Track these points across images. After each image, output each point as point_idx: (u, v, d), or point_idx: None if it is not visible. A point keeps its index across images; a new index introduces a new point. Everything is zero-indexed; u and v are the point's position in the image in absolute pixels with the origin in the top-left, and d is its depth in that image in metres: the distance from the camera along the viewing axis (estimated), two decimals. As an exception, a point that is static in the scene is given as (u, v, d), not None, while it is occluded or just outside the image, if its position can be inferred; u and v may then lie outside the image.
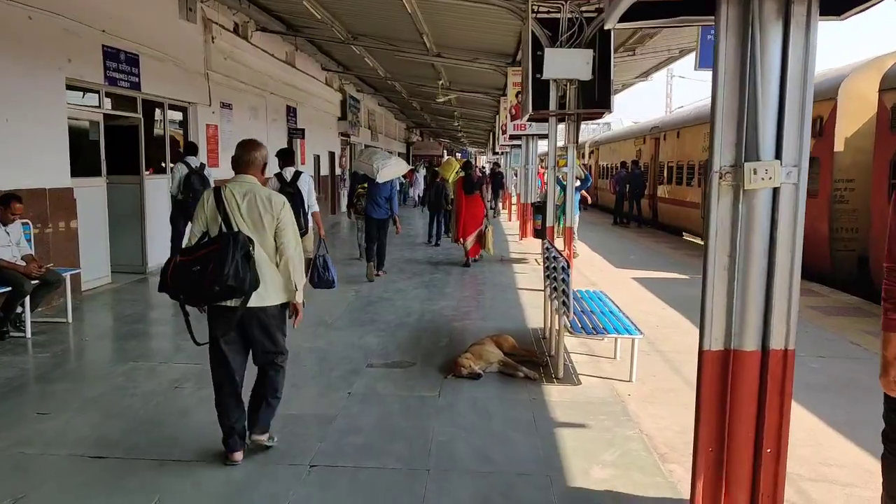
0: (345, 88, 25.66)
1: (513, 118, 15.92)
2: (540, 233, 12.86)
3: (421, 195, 27.89)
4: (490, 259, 13.38)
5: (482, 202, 13.05)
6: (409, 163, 24.11)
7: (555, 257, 6.39)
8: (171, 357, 6.59)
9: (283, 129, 18.46)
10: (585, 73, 9.24)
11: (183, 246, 4.23)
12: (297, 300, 4.18)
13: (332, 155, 24.46)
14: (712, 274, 3.13)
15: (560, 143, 10.38)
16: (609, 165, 28.67)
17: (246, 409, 4.23)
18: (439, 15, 13.00)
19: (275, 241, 4.10)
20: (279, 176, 8.84)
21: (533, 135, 16.23)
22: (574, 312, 6.06)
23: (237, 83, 14.73)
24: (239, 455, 4.14)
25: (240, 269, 3.84)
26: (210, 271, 3.81)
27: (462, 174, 13.39)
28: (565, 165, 9.99)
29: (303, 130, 19.32)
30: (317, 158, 22.22)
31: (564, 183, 11.31)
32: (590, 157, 32.94)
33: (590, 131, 43.90)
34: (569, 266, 5.66)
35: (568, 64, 9.29)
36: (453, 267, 12.48)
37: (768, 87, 2.99)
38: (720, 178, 3.08)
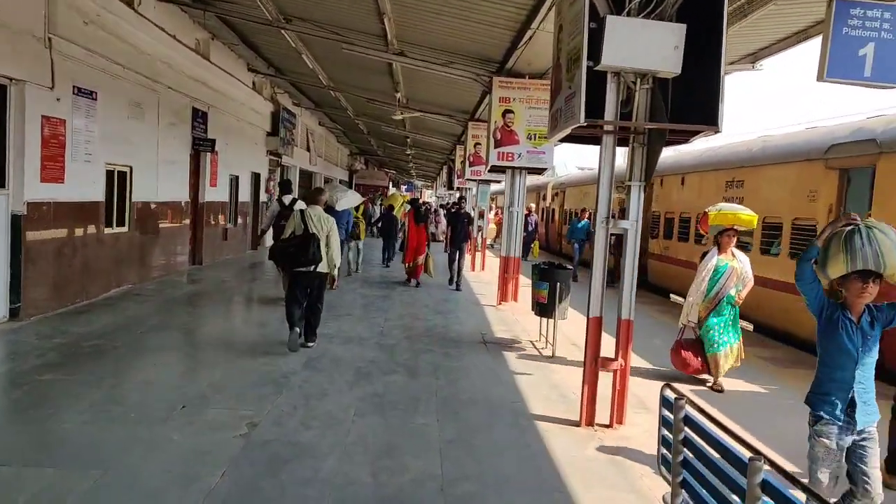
0: (278, 99, 21.18)
1: (497, 144, 11.78)
2: (544, 309, 8.69)
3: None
4: (467, 337, 9.09)
5: (426, 232, 15.12)
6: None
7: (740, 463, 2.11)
8: None
9: (186, 137, 13.83)
10: (671, 63, 5.36)
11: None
12: (333, 273, 8.68)
13: (256, 177, 19.80)
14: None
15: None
16: (576, 211, 24.79)
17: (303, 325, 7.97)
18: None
19: (327, 239, 7.87)
20: (280, 201, 11.00)
21: (521, 168, 12.10)
22: None
23: (108, 64, 10.14)
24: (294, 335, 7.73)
25: (315, 252, 7.62)
26: (300, 251, 7.61)
27: (410, 208, 16.03)
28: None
29: (213, 142, 14.71)
30: (234, 180, 17.57)
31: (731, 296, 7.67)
32: (552, 200, 29.11)
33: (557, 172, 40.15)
34: None
35: (643, 45, 5.38)
36: (420, 361, 8.11)
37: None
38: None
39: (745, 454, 2.74)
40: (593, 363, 5.77)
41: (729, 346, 7.56)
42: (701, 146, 17.55)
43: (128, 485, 4.27)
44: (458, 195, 17.95)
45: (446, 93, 15.70)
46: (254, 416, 5.57)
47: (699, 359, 7.61)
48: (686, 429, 3.35)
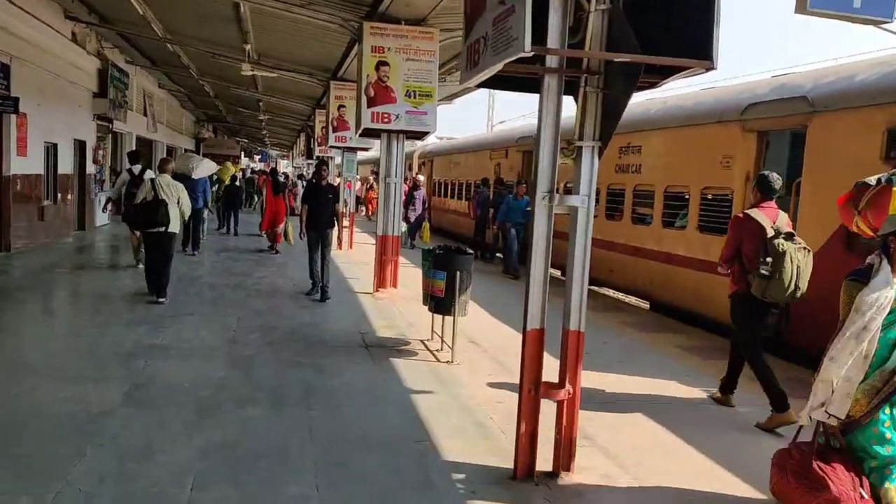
0: (107, 55, 18.08)
1: (371, 102, 9.98)
2: (441, 304, 7.09)
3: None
4: (343, 339, 7.34)
5: (284, 202, 15.98)
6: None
7: None
8: None
9: (-23, 95, 11.01)
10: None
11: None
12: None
13: (81, 145, 16.79)
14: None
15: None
16: (447, 182, 23.39)
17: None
18: None
19: (178, 202, 8.82)
20: (129, 171, 11.69)
21: (400, 131, 10.38)
22: None
23: None
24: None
25: (165, 215, 8.51)
26: (149, 214, 8.54)
27: (268, 178, 17.43)
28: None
29: (16, 101, 11.87)
30: (51, 149, 14.61)
31: None
32: (419, 170, 27.52)
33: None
34: None
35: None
36: (287, 381, 6.27)
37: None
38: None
39: None
40: (533, 392, 4.23)
41: None
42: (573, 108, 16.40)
43: None
44: (317, 161, 15.69)
45: (304, 45, 13.64)
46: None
47: (855, 487, 3.57)
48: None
